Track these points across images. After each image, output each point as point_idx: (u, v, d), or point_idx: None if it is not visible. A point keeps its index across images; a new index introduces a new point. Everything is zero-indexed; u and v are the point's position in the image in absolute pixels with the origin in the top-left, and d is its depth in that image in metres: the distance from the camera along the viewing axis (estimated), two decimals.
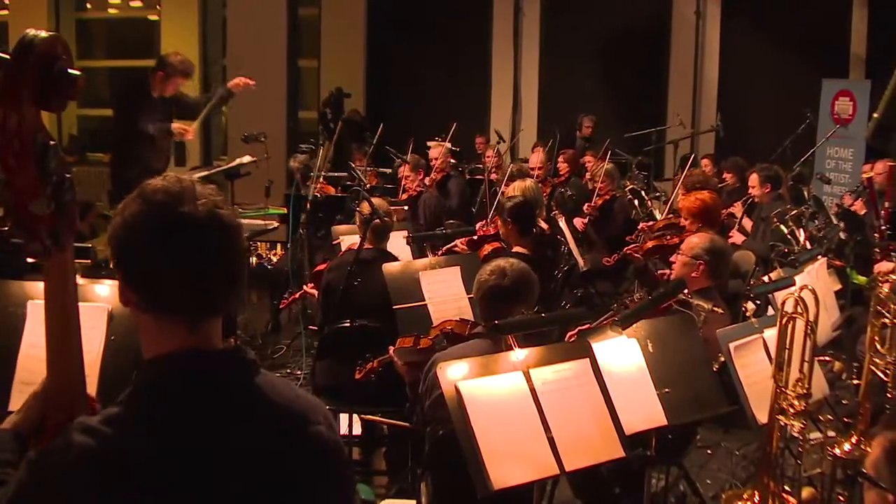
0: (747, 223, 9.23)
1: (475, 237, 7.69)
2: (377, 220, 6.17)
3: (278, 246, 10.80)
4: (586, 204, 9.71)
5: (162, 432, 1.85)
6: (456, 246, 7.49)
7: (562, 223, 8.19)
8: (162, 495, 1.83)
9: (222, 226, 1.92)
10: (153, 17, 16.28)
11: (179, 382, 1.91)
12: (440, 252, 7.19)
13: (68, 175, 1.86)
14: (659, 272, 7.13)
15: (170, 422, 1.86)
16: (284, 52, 12.16)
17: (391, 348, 5.09)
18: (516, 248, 6.65)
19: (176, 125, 8.37)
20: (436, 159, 10.59)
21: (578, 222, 9.41)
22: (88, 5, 16.94)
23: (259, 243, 10.62)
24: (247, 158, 8.86)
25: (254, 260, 10.46)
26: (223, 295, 1.96)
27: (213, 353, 1.97)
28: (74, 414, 1.95)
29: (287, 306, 7.96)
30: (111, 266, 1.94)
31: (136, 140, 8.23)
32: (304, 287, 7.21)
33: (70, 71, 1.82)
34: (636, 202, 9.75)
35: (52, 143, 1.83)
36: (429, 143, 12.44)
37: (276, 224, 9.54)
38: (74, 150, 15.38)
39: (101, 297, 3.69)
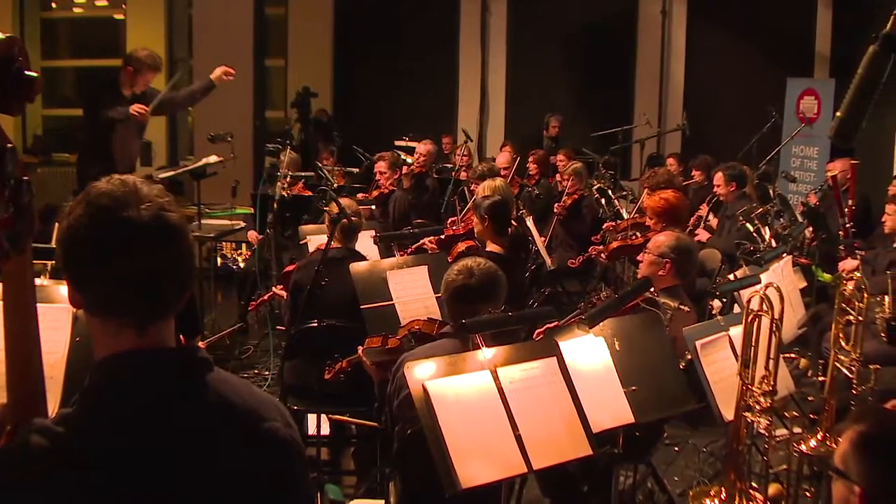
0: (713, 221, 9.29)
1: (444, 236, 7.67)
2: (345, 220, 6.16)
3: (243, 246, 10.75)
4: (556, 204, 9.72)
5: (113, 432, 1.85)
6: (424, 244, 7.48)
7: (529, 222, 8.19)
8: (114, 495, 1.82)
9: (167, 228, 1.91)
10: (119, 17, 16.17)
11: (130, 382, 1.90)
12: (408, 251, 7.19)
13: (26, 178, 1.84)
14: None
15: (121, 422, 1.86)
16: (251, 52, 12.09)
17: (360, 348, 5.08)
18: (490, 247, 6.64)
19: (133, 106, 8.22)
20: (422, 155, 10.56)
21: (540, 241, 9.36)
22: (53, 4, 16.80)
23: (225, 243, 10.57)
24: (213, 158, 8.81)
25: (219, 260, 10.40)
26: (171, 297, 1.96)
27: (163, 352, 1.96)
28: (34, 416, 1.94)
29: (256, 308, 7.93)
30: (60, 268, 1.93)
31: (104, 140, 8.18)
32: (273, 289, 7.18)
33: (27, 73, 1.81)
34: (603, 201, 9.77)
35: (9, 145, 1.81)
36: (397, 143, 12.43)
37: (242, 224, 9.50)
38: (39, 150, 15.24)
39: (65, 298, 3.66)
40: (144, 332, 1.92)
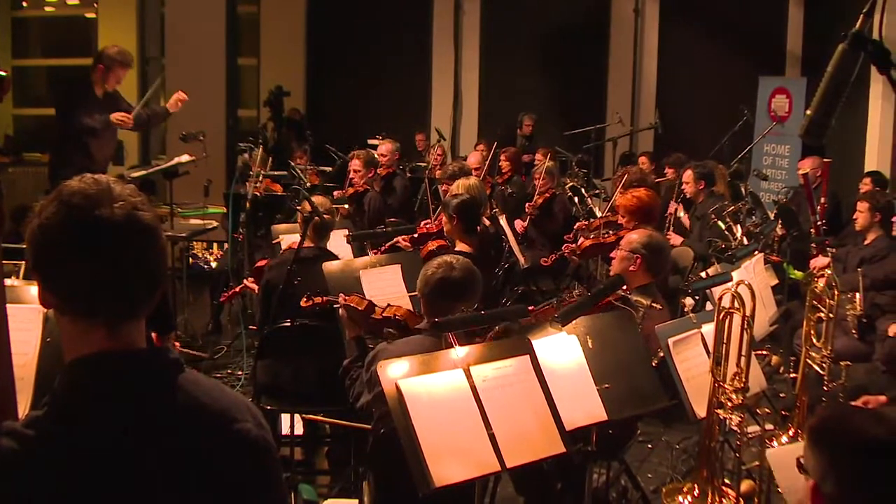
0: (684, 218, 9.31)
1: (416, 235, 7.66)
2: (317, 218, 6.15)
3: (214, 245, 10.72)
4: (527, 203, 9.71)
5: (84, 435, 1.83)
6: (398, 242, 7.46)
7: (502, 221, 8.20)
8: (85, 498, 1.81)
9: (140, 228, 1.90)
10: (90, 15, 16.07)
11: (100, 384, 1.89)
12: (383, 249, 7.18)
13: None
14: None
15: (91, 424, 1.85)
16: (223, 50, 12.03)
17: (342, 297, 5.12)
18: (459, 246, 6.64)
19: (115, 115, 8.27)
20: (384, 156, 10.51)
21: (518, 225, 9.39)
22: (25, 3, 16.66)
23: (196, 243, 10.53)
24: (185, 157, 8.77)
25: (189, 260, 10.35)
26: (142, 297, 1.94)
27: (134, 353, 1.95)
28: (3, 419, 1.92)
29: (228, 300, 7.86)
30: (30, 267, 1.91)
31: (77, 140, 8.15)
32: (245, 281, 7.15)
33: None
34: (576, 199, 9.79)
35: None
36: (370, 141, 12.40)
37: (215, 224, 9.47)
38: (10, 150, 15.14)
39: (36, 299, 3.64)
40: (115, 332, 1.91)
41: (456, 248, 6.60)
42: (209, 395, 2.00)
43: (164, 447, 1.89)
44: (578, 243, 7.89)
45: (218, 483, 1.94)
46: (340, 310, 5.13)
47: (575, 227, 8.75)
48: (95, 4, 15.84)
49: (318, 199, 6.39)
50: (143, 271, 1.92)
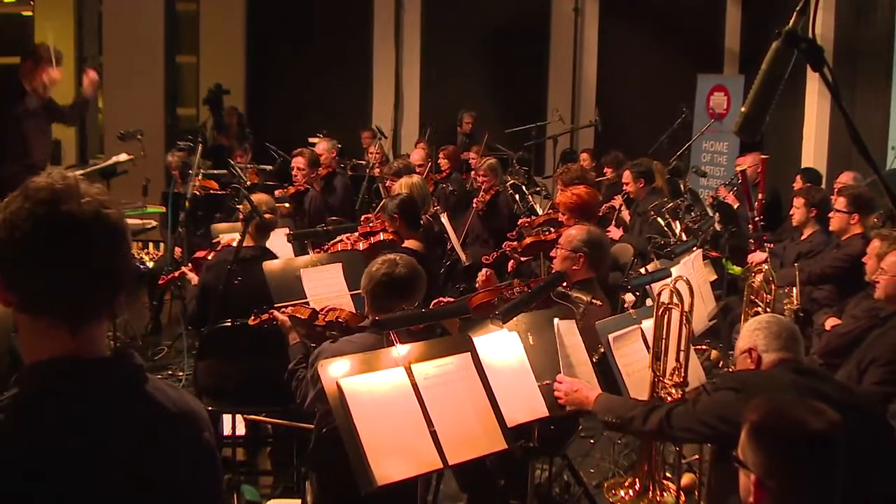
0: (625, 215, 9.39)
1: (358, 233, 7.63)
2: (258, 217, 6.12)
3: (150, 245, 10.61)
4: (475, 199, 9.69)
5: (47, 442, 1.80)
6: (341, 241, 7.43)
7: (444, 218, 8.21)
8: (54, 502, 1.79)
9: (106, 226, 1.87)
10: (27, 13, 15.82)
11: (63, 390, 1.85)
12: (325, 249, 7.15)
13: None
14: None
15: (54, 431, 1.81)
16: (162, 48, 11.95)
17: (290, 310, 5.20)
18: (408, 244, 6.69)
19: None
20: (320, 154, 10.45)
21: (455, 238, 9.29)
22: None
23: (134, 242, 10.41)
24: (123, 156, 8.70)
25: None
26: (106, 298, 1.91)
27: (97, 360, 1.91)
28: None
29: (166, 283, 7.76)
30: None
31: (15, 137, 8.04)
32: (183, 268, 7.09)
33: None
34: (517, 197, 9.81)
35: None
36: (310, 139, 12.34)
37: (154, 223, 9.39)
38: None
39: None
40: (76, 334, 1.87)
41: (404, 246, 6.64)
42: (174, 402, 1.99)
43: (130, 456, 1.87)
44: (521, 241, 7.91)
45: (176, 488, 1.94)
46: (281, 317, 5.13)
47: (518, 223, 8.77)
48: (32, 2, 15.58)
49: (260, 198, 6.36)
50: (108, 271, 1.89)
